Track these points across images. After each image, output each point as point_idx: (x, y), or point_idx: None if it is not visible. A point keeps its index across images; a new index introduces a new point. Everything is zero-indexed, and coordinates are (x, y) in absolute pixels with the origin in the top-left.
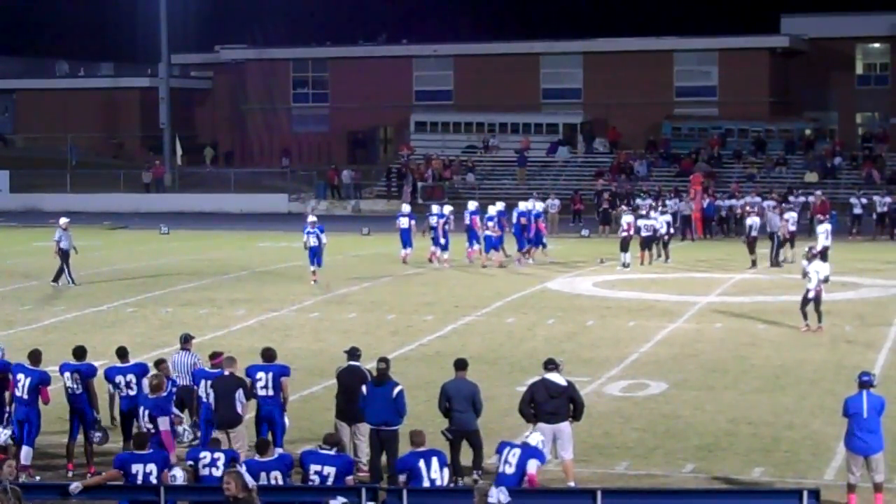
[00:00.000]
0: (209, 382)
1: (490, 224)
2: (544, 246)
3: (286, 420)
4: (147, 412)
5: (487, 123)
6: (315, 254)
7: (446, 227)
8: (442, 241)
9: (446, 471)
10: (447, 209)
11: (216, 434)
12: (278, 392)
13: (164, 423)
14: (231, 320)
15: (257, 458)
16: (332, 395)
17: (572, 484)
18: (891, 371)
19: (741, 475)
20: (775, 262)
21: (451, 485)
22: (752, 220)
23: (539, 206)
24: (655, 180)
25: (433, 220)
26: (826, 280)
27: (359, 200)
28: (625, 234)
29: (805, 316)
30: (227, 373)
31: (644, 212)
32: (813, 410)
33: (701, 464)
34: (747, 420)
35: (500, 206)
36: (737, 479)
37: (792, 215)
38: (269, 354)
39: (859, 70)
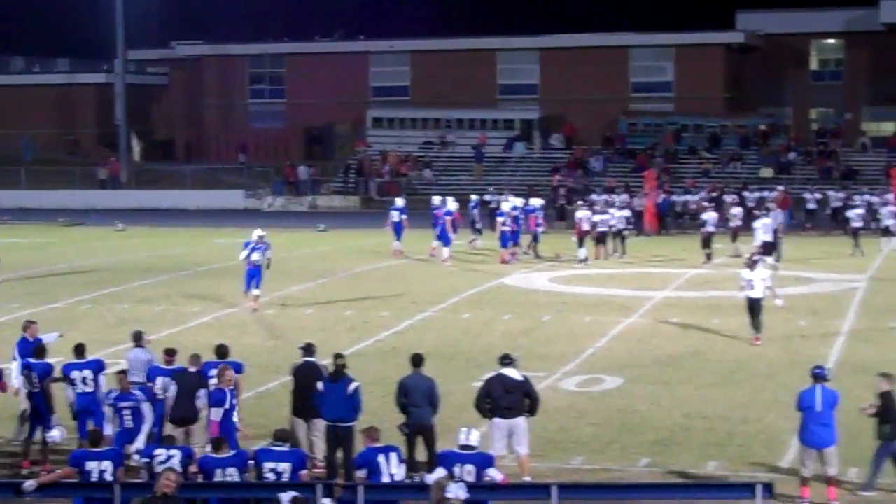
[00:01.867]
0: (169, 377)
1: (500, 219)
2: (536, 240)
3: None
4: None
5: (444, 119)
6: (254, 274)
7: (453, 222)
8: (451, 235)
9: (403, 467)
10: (453, 205)
11: (172, 431)
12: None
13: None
14: (187, 317)
15: (213, 454)
16: (288, 392)
17: (528, 479)
18: (844, 365)
19: (696, 469)
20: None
21: (408, 480)
22: (709, 216)
23: (535, 202)
24: (611, 176)
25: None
26: (769, 288)
27: (315, 196)
28: (586, 229)
29: (755, 327)
30: (192, 370)
31: (599, 207)
32: (767, 404)
33: (656, 458)
34: (702, 414)
35: (515, 201)
36: (692, 473)
37: (739, 210)
38: (222, 351)
39: (814, 66)
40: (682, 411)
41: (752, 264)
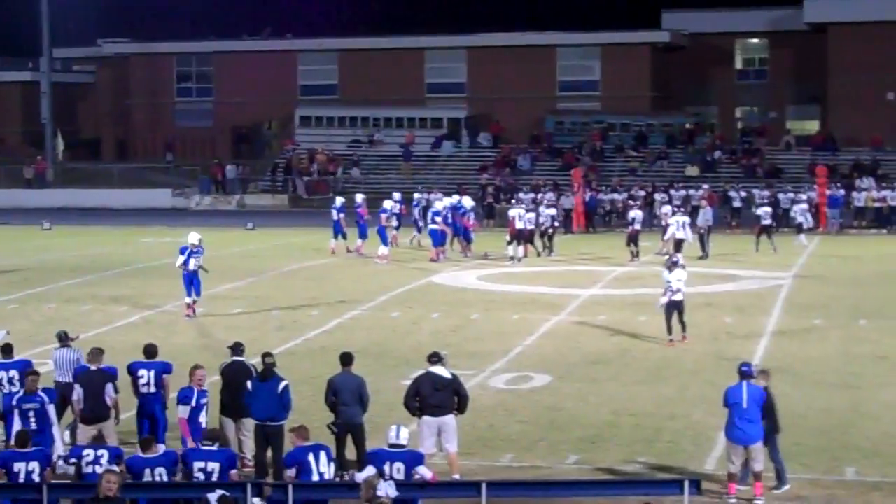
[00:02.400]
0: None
1: (438, 219)
2: (468, 241)
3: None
4: None
5: (372, 118)
6: (191, 280)
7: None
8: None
9: (332, 465)
10: (389, 203)
11: (85, 431)
12: (160, 389)
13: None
14: (114, 316)
15: (141, 454)
16: (217, 391)
17: (457, 476)
18: (770, 362)
19: (624, 466)
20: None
21: (337, 479)
22: (635, 213)
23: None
24: (539, 174)
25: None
26: (677, 290)
27: (243, 195)
28: (519, 227)
29: (670, 329)
30: (93, 367)
31: (525, 206)
32: (694, 401)
33: (584, 455)
34: (629, 411)
35: (448, 200)
36: (620, 470)
37: (668, 208)
38: (150, 351)
39: (739, 65)
40: (610, 408)
41: (671, 266)
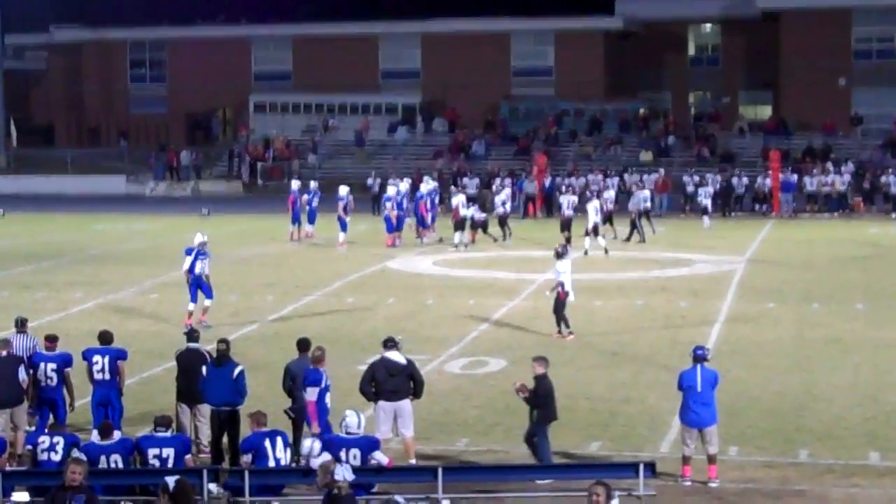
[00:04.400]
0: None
1: (388, 205)
2: (423, 227)
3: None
4: None
5: (327, 105)
6: (198, 285)
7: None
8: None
9: (289, 451)
10: (344, 190)
11: None
12: (115, 376)
13: None
14: (68, 303)
15: (98, 441)
16: (173, 378)
17: (413, 461)
18: (724, 345)
19: (579, 449)
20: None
21: (293, 464)
22: (566, 199)
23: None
24: (494, 160)
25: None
26: (561, 285)
27: (198, 182)
28: (464, 213)
29: (559, 322)
30: (3, 353)
31: (473, 191)
32: (649, 385)
33: None
34: (585, 395)
35: (402, 186)
36: (575, 454)
37: (610, 194)
38: (106, 337)
39: (692, 51)
40: (565, 392)
41: (559, 254)
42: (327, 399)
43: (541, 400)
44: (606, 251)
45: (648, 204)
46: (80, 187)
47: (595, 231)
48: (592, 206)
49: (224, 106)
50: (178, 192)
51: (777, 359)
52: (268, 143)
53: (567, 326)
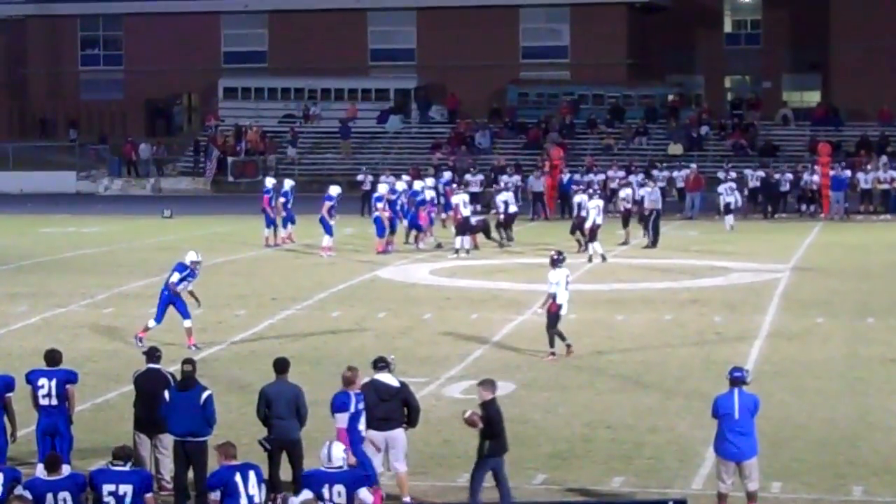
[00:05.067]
0: None
1: (379, 205)
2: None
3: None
4: None
5: (308, 89)
6: (174, 301)
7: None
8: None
9: (263, 487)
10: (335, 190)
11: None
12: (63, 401)
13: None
14: (10, 318)
15: (45, 476)
16: (130, 403)
17: (408, 500)
18: (765, 366)
19: (599, 485)
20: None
21: (269, 503)
22: (580, 199)
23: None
24: (500, 153)
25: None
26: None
27: (159, 178)
28: (466, 214)
29: (552, 340)
30: None
31: (477, 189)
32: (678, 412)
33: (554, 473)
34: (605, 424)
35: (399, 185)
36: (594, 491)
37: (626, 192)
38: (53, 357)
39: (728, 28)
40: (583, 420)
41: (554, 262)
42: (361, 425)
43: (496, 429)
44: (604, 258)
45: (658, 205)
46: (23, 185)
47: (593, 234)
48: (595, 205)
49: (189, 91)
50: (136, 191)
51: (827, 381)
52: (239, 134)
53: (552, 346)
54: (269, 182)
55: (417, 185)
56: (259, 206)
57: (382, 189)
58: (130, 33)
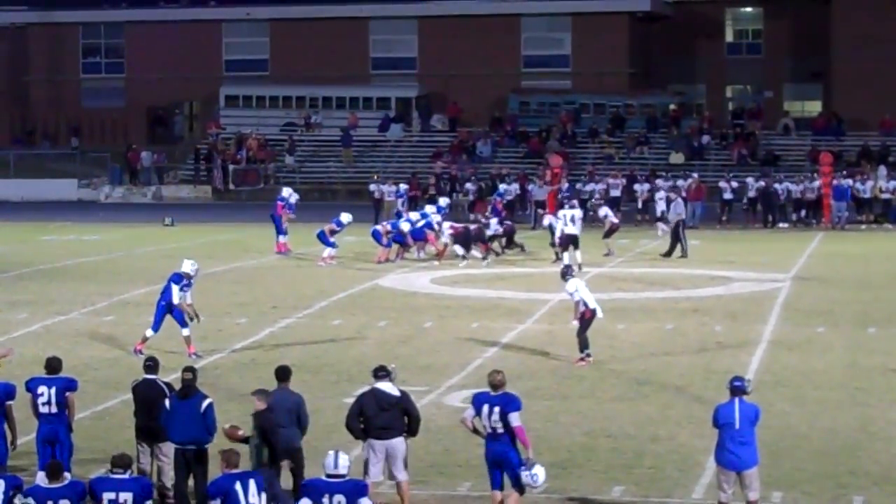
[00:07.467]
0: None
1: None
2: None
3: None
4: None
5: (309, 98)
6: (170, 310)
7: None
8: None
9: (265, 495)
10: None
11: None
12: (63, 409)
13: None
14: (11, 325)
15: (45, 483)
16: (131, 412)
17: None
18: (766, 375)
19: (600, 494)
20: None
21: None
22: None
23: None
24: (501, 162)
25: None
26: (584, 304)
27: (160, 186)
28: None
29: (582, 345)
30: None
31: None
32: (679, 421)
33: (554, 482)
34: (606, 432)
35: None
36: (595, 500)
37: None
38: (53, 365)
39: (729, 37)
40: (584, 429)
41: (564, 275)
42: None
43: (267, 439)
44: (580, 267)
45: (683, 215)
46: (24, 192)
47: (565, 244)
48: (562, 214)
49: (190, 99)
50: (137, 198)
51: (827, 391)
52: (240, 143)
53: (583, 350)
54: (286, 191)
55: (429, 209)
56: (259, 214)
57: (414, 216)
58: (132, 41)
